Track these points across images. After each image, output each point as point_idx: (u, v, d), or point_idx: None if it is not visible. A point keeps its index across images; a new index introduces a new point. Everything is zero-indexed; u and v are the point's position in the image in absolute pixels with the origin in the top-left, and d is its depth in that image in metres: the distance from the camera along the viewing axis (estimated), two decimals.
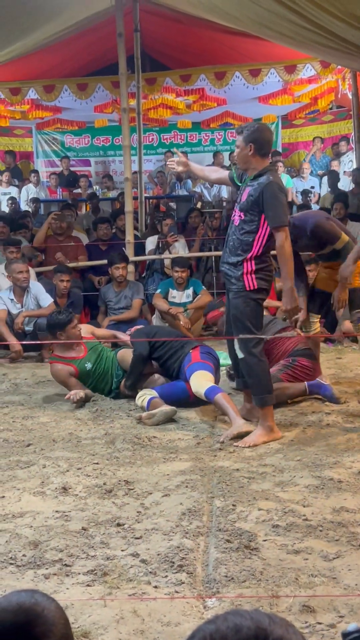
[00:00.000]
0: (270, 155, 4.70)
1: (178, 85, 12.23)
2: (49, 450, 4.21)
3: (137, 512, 3.30)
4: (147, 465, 3.94)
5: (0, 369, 6.60)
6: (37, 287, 7.05)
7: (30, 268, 8.01)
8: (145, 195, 11.59)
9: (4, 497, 3.51)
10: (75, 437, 4.49)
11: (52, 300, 6.95)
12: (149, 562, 2.81)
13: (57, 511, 3.32)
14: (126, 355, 5.41)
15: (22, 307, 6.94)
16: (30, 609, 1.20)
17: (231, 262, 4.48)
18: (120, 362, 5.46)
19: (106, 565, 2.79)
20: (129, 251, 8.07)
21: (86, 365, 5.39)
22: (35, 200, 11.93)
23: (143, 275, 8.74)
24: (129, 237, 8.17)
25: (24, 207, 12.12)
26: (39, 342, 6.69)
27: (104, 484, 3.64)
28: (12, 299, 6.95)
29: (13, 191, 12.59)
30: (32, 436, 4.53)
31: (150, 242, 8.91)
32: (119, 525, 3.16)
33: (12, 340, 6.67)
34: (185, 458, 4.04)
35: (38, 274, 8.20)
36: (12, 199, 11.87)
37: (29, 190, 12.79)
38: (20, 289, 6.95)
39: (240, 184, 4.59)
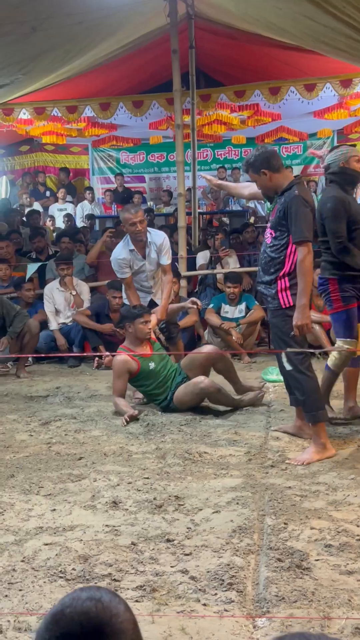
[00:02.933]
0: (283, 167, 4.56)
1: (232, 101, 12.24)
2: (100, 464, 4.23)
3: (187, 528, 3.27)
4: (198, 480, 3.91)
5: (54, 382, 6.67)
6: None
7: (84, 283, 8.13)
8: (199, 210, 11.61)
9: (55, 509, 3.53)
10: (126, 452, 4.49)
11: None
12: (198, 579, 2.78)
13: (107, 525, 3.32)
14: (193, 361, 5.44)
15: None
16: (97, 616, 1.15)
17: (265, 281, 4.48)
18: (184, 369, 5.48)
19: (155, 581, 2.77)
20: (182, 266, 8.09)
21: (150, 364, 5.41)
22: (91, 217, 12.10)
23: (195, 291, 8.74)
24: (182, 252, 8.20)
25: (79, 223, 12.30)
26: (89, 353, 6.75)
27: (154, 499, 3.63)
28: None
29: (69, 207, 12.81)
30: (84, 450, 4.56)
31: (202, 257, 8.91)
32: (168, 541, 3.14)
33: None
34: (236, 474, 4.00)
35: (92, 289, 8.29)
36: (68, 215, 12.07)
37: (84, 207, 12.99)
38: None
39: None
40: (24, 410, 5.67)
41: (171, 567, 2.90)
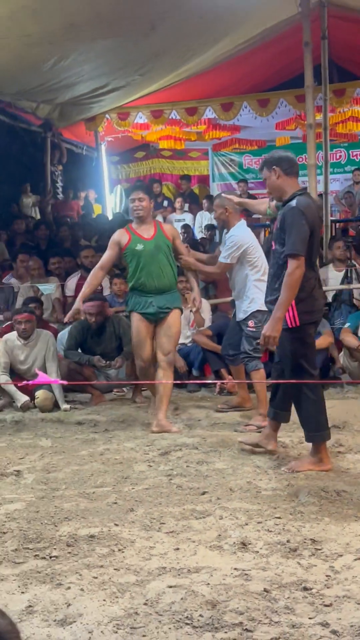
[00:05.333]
0: (296, 175, 4.84)
1: None
2: (226, 500, 4.22)
3: (327, 575, 3.21)
4: (337, 522, 3.83)
5: (172, 407, 6.75)
6: None
7: (205, 300, 8.20)
8: (332, 218, 11.50)
9: (178, 549, 3.55)
10: (254, 487, 4.47)
11: None
12: (340, 634, 2.72)
13: (235, 569, 3.31)
14: None
15: None
16: None
17: (272, 300, 4.70)
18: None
19: (292, 633, 2.73)
20: None
21: (138, 245, 6.14)
22: (210, 227, 12.19)
23: (327, 308, 8.63)
24: None
25: (198, 234, 12.43)
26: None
27: (288, 541, 3.58)
28: None
29: (187, 218, 12.97)
30: (208, 483, 4.56)
31: (332, 271, 8.80)
32: (305, 589, 3.09)
33: None
34: None
35: (213, 307, 8.36)
36: (186, 226, 12.21)
37: (204, 217, 13.10)
38: None
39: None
40: (141, 438, 5.77)
41: (309, 618, 2.85)
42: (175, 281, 6.38)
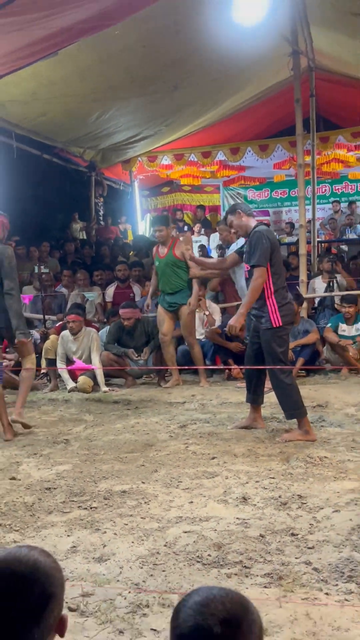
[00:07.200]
0: (252, 215, 5.03)
1: (349, 141, 12.06)
2: (231, 464, 4.21)
3: (310, 524, 3.19)
4: (319, 482, 3.80)
5: (190, 390, 6.74)
6: None
7: (216, 305, 8.19)
8: (318, 239, 11.42)
9: (192, 502, 3.54)
10: (253, 453, 4.45)
11: None
12: (320, 570, 2.70)
13: (237, 518, 3.29)
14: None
15: None
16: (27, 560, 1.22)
17: (257, 307, 4.76)
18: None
19: (281, 570, 2.72)
20: (302, 289, 7.96)
21: (156, 262, 7.02)
22: (220, 247, 12.16)
23: (314, 311, 8.57)
24: (302, 277, 8.07)
25: (212, 251, 12.43)
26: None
27: (279, 496, 3.56)
28: None
29: (203, 240, 12.96)
30: (216, 450, 4.55)
31: (319, 282, 8.73)
32: (293, 535, 3.07)
33: None
34: (355, 478, 3.85)
35: (222, 310, 8.32)
36: (202, 246, 12.22)
37: (215, 239, 13.09)
38: None
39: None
40: (164, 414, 5.77)
41: (296, 558, 2.83)
42: (182, 285, 7.00)
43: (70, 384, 7.07)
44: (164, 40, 7.59)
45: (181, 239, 7.17)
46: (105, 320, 8.50)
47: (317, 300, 8.61)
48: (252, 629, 1.14)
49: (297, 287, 8.04)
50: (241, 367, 6.07)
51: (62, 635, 1.25)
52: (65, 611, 1.36)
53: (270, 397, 5.32)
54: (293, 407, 4.73)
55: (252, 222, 4.90)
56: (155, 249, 7.24)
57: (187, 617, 1.14)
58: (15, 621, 1.14)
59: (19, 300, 5.37)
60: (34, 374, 5.93)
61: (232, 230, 5.09)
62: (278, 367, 4.73)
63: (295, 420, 4.79)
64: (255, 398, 5.11)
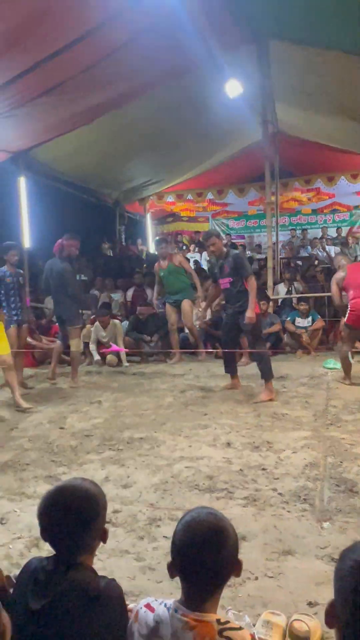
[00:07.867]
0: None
1: (302, 186, 12.04)
2: (218, 419, 4.23)
3: (276, 461, 3.22)
4: (282, 432, 3.84)
5: (187, 366, 6.73)
6: None
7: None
8: (280, 257, 11.39)
9: (191, 446, 3.57)
10: (235, 411, 4.47)
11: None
12: (284, 495, 2.74)
13: (223, 457, 3.33)
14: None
15: None
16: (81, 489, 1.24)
17: (237, 305, 4.87)
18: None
19: (256, 494, 2.75)
20: (270, 293, 7.96)
21: (161, 272, 6.81)
22: (209, 262, 12.11)
23: (277, 309, 8.54)
24: (270, 283, 8.06)
25: (204, 265, 12.37)
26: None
27: (254, 442, 3.60)
28: None
29: (197, 256, 12.90)
30: (208, 409, 4.57)
31: (281, 287, 8.71)
32: (263, 469, 3.10)
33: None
34: (307, 428, 3.89)
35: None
36: (196, 261, 12.16)
37: (205, 255, 13.04)
38: None
39: (216, 271, 5.09)
40: (169, 383, 5.76)
41: (266, 486, 2.87)
42: (183, 288, 6.96)
43: (96, 357, 7.17)
44: (169, 110, 7.55)
45: (175, 251, 7.25)
46: (126, 315, 8.49)
47: (280, 301, 8.60)
48: (227, 540, 1.18)
49: (266, 290, 8.03)
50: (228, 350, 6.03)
51: (104, 542, 1.28)
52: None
53: (244, 370, 5.35)
54: (269, 372, 4.81)
55: (225, 248, 5.04)
56: (157, 264, 7.14)
57: (180, 530, 1.19)
58: (75, 528, 1.18)
59: (79, 301, 5.86)
60: (80, 353, 6.07)
61: (211, 249, 5.08)
62: (256, 350, 4.89)
63: (263, 383, 4.84)
64: (232, 369, 5.24)
